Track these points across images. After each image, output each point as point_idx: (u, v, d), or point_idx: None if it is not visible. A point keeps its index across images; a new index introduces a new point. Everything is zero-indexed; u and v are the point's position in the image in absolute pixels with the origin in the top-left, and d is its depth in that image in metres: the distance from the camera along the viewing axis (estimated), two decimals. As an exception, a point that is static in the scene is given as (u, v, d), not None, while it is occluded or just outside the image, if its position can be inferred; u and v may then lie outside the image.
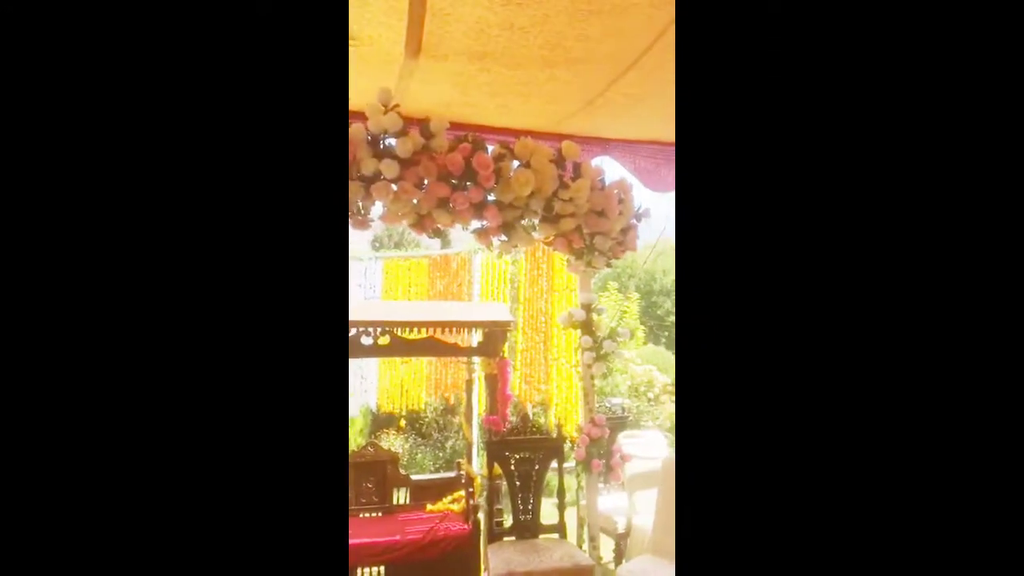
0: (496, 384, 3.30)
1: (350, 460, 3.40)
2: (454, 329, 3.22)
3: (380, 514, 3.35)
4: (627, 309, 6.12)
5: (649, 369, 5.75)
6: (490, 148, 2.25)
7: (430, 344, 3.25)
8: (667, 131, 2.90)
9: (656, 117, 2.68)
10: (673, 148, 3.04)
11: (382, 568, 2.84)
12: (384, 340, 3.11)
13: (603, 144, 2.98)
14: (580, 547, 2.89)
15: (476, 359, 3.71)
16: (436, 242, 5.80)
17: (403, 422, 5.24)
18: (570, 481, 3.17)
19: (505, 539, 2.76)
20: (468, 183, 2.10)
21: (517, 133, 2.43)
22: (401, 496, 3.45)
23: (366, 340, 3.07)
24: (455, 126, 2.34)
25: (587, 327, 2.88)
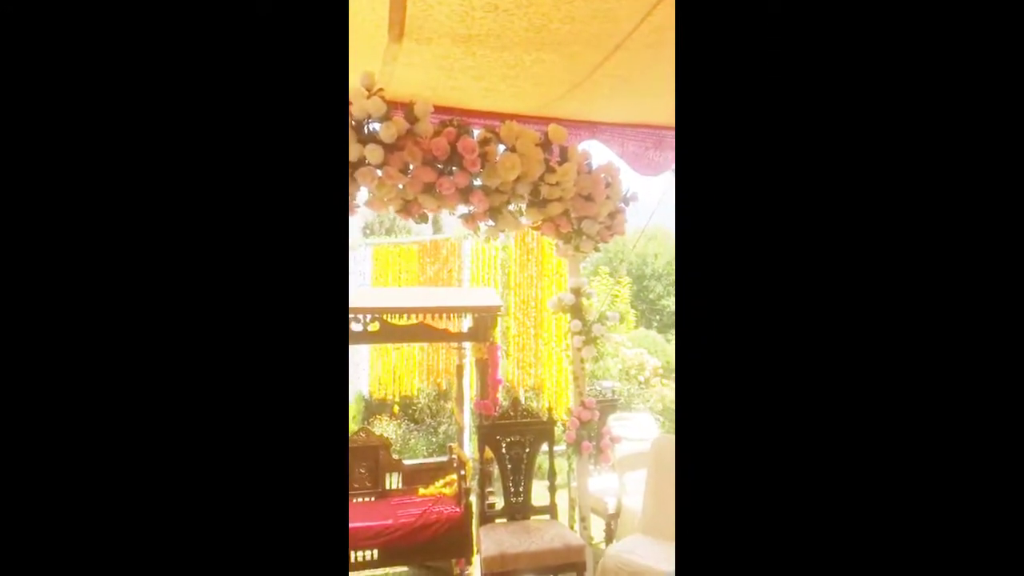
0: (487, 369, 3.32)
1: (348, 448, 3.41)
2: (444, 315, 3.22)
3: (373, 499, 3.38)
4: (618, 293, 6.14)
5: (640, 352, 5.79)
6: (476, 132, 2.23)
7: (420, 330, 3.25)
8: (655, 114, 2.89)
9: (644, 100, 2.67)
10: (661, 131, 3.03)
11: (376, 551, 2.87)
12: (374, 326, 3.11)
13: (591, 128, 2.97)
14: (571, 528, 2.94)
15: (467, 344, 3.72)
16: (426, 228, 5.78)
17: (397, 408, 5.26)
18: (561, 463, 3.21)
19: (497, 521, 2.79)
20: (454, 168, 2.08)
21: (503, 117, 2.42)
22: (394, 481, 3.48)
23: (356, 326, 3.07)
24: (440, 110, 2.32)
25: (576, 311, 2.89)
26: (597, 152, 2.77)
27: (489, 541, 2.57)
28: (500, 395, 3.70)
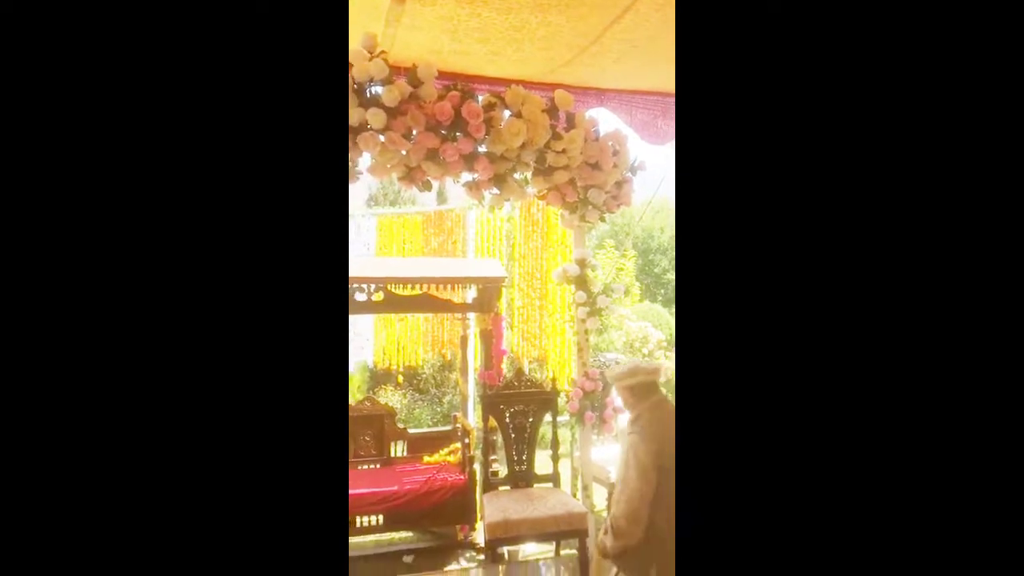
0: (491, 339, 3.32)
1: (348, 414, 3.46)
2: (449, 285, 3.22)
3: (378, 466, 3.43)
4: (623, 266, 6.11)
5: (644, 326, 5.78)
6: (480, 98, 2.18)
7: (425, 300, 3.25)
8: (664, 80, 2.82)
9: (653, 65, 2.59)
10: (670, 99, 2.96)
11: (381, 516, 2.92)
12: (379, 296, 3.11)
13: (599, 95, 2.90)
14: (574, 496, 2.97)
15: (472, 316, 3.72)
16: (430, 199, 5.72)
17: (400, 378, 5.31)
18: (564, 433, 3.24)
19: (500, 489, 2.83)
20: (458, 133, 2.04)
21: (509, 83, 2.36)
22: (399, 448, 3.53)
23: (360, 296, 3.07)
24: (444, 75, 2.27)
25: (581, 282, 2.87)
26: (605, 120, 2.71)
27: (493, 508, 2.60)
28: (504, 366, 3.71)
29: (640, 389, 1.78)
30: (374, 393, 4.98)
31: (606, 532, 1.71)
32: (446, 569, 2.94)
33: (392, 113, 1.93)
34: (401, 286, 3.15)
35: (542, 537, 2.68)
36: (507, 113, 2.16)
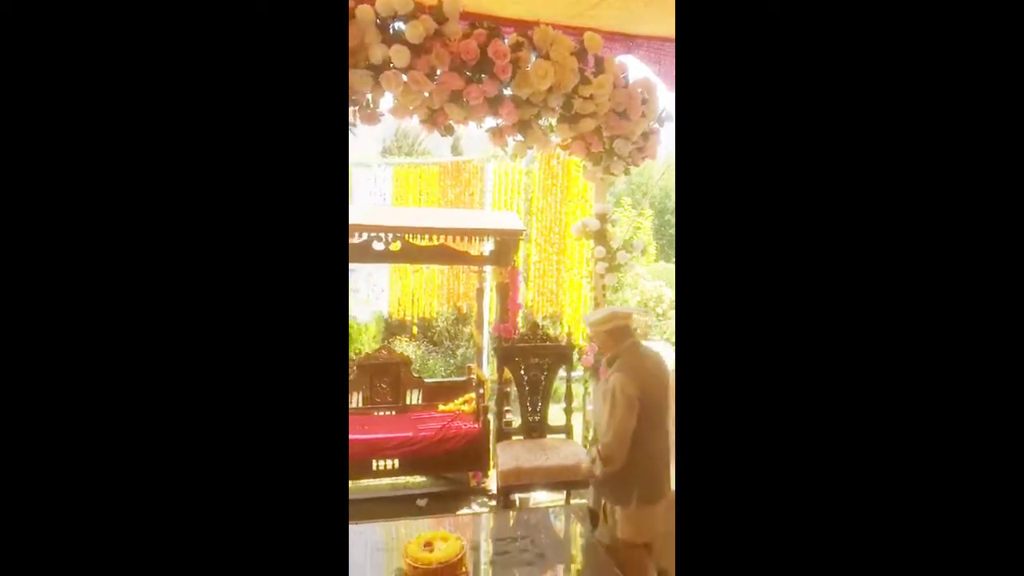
0: (507, 293, 3.31)
1: (364, 362, 3.50)
2: (466, 237, 3.18)
3: (394, 412, 3.49)
4: (640, 225, 6.02)
5: (659, 285, 5.76)
6: (507, 39, 2.09)
7: (442, 251, 3.23)
8: (697, 27, 2.69)
9: (687, 9, 2.47)
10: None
11: (396, 461, 2.99)
12: (395, 246, 3.09)
13: (627, 42, 2.78)
14: (585, 447, 3.02)
15: (488, 269, 3.70)
16: (445, 152, 5.61)
17: (415, 329, 5.35)
18: (577, 388, 3.26)
19: (514, 438, 2.87)
20: (483, 75, 1.97)
21: (534, 24, 2.26)
22: (414, 397, 3.58)
23: (378, 245, 3.05)
24: (468, 16, 2.17)
25: (601, 237, 2.83)
26: (633, 68, 2.61)
27: (506, 456, 2.65)
28: (519, 320, 3.72)
29: (617, 333, 1.95)
30: (388, 343, 5.03)
31: (593, 462, 1.90)
32: (458, 513, 3.03)
33: (416, 51, 1.86)
34: (418, 237, 3.13)
35: (553, 486, 2.74)
36: (534, 56, 2.07)
